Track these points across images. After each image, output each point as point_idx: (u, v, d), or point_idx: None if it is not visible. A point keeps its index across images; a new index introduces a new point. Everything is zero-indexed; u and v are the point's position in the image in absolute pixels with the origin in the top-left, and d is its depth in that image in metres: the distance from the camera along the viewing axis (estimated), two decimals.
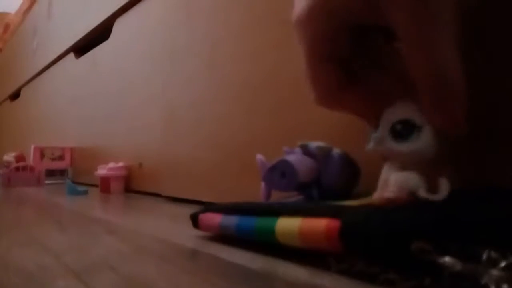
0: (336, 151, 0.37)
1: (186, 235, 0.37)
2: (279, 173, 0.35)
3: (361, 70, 0.29)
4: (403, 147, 0.25)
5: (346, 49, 0.27)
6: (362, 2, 0.24)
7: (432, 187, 0.24)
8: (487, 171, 0.31)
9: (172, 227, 0.44)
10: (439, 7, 0.22)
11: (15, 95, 2.25)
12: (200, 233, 0.37)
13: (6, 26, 2.58)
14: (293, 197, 0.38)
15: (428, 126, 0.24)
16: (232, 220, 0.32)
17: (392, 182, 0.24)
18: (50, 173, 1.35)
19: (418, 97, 0.24)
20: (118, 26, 1.07)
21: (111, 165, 0.93)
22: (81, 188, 0.91)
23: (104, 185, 0.92)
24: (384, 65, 0.29)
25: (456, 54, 0.23)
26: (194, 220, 0.37)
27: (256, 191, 0.40)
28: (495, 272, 0.18)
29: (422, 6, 0.22)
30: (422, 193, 0.23)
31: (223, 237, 0.34)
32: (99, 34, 1.18)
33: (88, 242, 0.36)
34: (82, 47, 1.34)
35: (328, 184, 0.36)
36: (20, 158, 1.49)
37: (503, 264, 0.18)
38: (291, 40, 0.48)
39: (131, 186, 0.94)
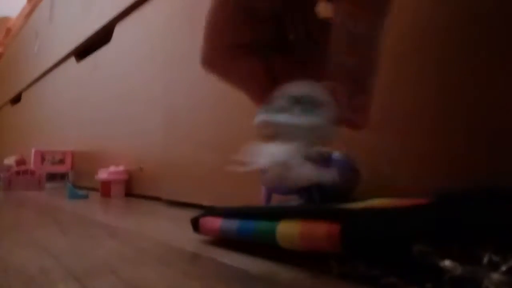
0: (336, 154, 0.37)
1: (186, 239, 0.37)
2: None
3: (269, 41, 0.26)
4: (307, 120, 0.23)
5: (265, 12, 0.24)
6: None
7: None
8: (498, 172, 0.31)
9: (173, 231, 0.44)
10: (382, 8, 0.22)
11: (16, 99, 2.25)
12: (200, 236, 0.37)
13: (8, 31, 2.59)
14: (294, 201, 0.38)
15: (330, 107, 0.23)
16: (232, 224, 0.32)
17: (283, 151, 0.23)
18: (51, 177, 1.35)
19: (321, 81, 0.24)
20: (119, 30, 1.07)
21: (112, 169, 0.93)
22: (81, 192, 0.91)
23: (105, 188, 0.92)
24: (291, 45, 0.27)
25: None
26: (195, 224, 0.37)
27: (256, 195, 0.40)
28: (495, 276, 0.18)
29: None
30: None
31: (223, 241, 0.34)
32: (100, 38, 1.19)
33: (88, 245, 0.36)
34: (83, 51, 1.35)
35: (329, 187, 0.36)
36: (20, 161, 1.49)
37: (504, 267, 0.18)
38: None
39: (132, 189, 0.94)
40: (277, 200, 0.39)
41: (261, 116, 0.24)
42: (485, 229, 0.20)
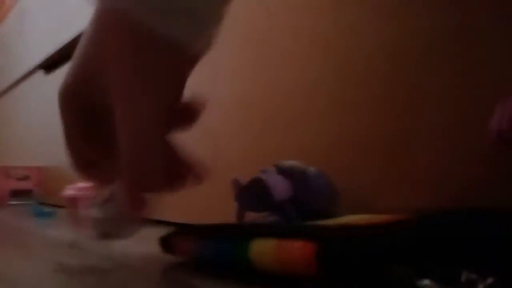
0: (311, 169, 0.36)
1: (154, 260, 0.36)
2: (253, 193, 0.34)
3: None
4: (100, 213, 0.29)
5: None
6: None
7: None
8: None
9: (140, 252, 0.42)
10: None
11: None
12: (170, 257, 0.35)
13: None
14: (268, 218, 0.37)
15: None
16: (207, 249, 0.30)
17: None
18: (16, 194, 1.29)
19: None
20: None
21: (80, 185, 0.90)
22: (47, 210, 0.87)
23: (72, 206, 0.89)
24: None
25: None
26: (164, 243, 0.35)
27: (229, 211, 0.39)
28: None
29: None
30: None
31: (194, 262, 0.33)
32: (69, 52, 1.16)
33: (50, 269, 0.34)
34: (51, 64, 1.31)
35: (305, 203, 0.35)
36: None
37: (481, 286, 0.18)
38: (266, 61, 0.48)
39: None
40: (251, 217, 0.38)
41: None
42: (462, 247, 0.19)
